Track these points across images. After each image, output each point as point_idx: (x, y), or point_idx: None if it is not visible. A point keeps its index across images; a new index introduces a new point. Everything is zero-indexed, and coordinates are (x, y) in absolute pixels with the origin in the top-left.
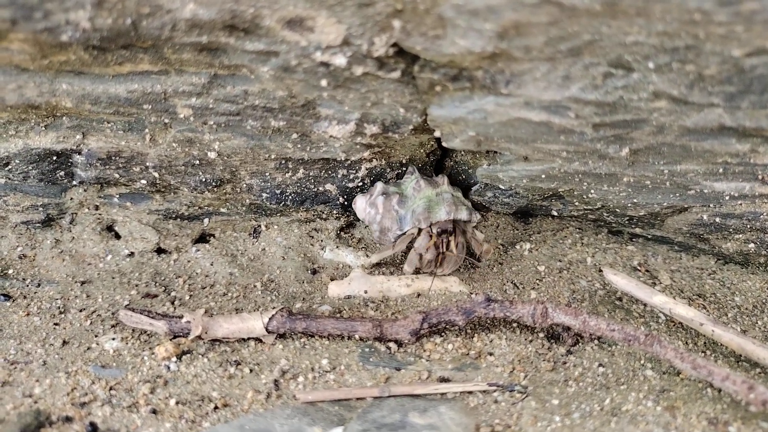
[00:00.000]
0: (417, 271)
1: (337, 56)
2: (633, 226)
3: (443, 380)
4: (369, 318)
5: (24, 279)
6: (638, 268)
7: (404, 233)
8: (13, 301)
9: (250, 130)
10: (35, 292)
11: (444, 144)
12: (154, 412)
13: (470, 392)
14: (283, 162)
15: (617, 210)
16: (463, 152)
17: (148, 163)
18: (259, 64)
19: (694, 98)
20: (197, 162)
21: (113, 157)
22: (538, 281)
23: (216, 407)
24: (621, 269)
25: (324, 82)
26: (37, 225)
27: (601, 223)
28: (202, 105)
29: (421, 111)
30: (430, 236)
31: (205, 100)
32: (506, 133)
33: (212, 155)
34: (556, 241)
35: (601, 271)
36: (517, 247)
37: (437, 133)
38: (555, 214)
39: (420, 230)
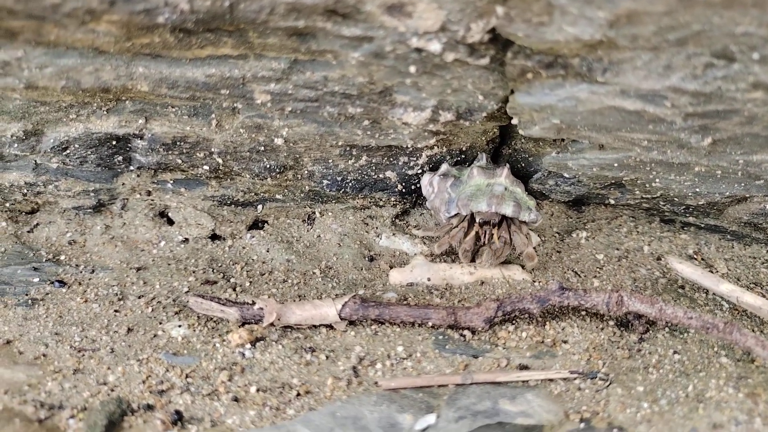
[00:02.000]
0: (446, 254)
1: (432, 42)
2: (687, 215)
3: (523, 368)
4: (443, 306)
5: (77, 265)
6: (694, 256)
7: (452, 216)
8: (69, 287)
9: (326, 117)
10: (90, 279)
11: (521, 131)
12: (236, 399)
13: (551, 380)
14: (348, 149)
15: (676, 199)
16: (524, 140)
17: (213, 149)
18: (349, 49)
19: None
20: (262, 148)
21: (178, 143)
22: (598, 269)
23: (298, 394)
24: (678, 256)
25: (412, 69)
26: (88, 210)
27: (653, 212)
28: (282, 90)
29: (500, 98)
30: (472, 226)
31: (285, 86)
32: (592, 122)
33: (279, 141)
34: (612, 229)
35: (659, 259)
36: (574, 235)
37: (515, 121)
38: (611, 202)
39: (465, 218)
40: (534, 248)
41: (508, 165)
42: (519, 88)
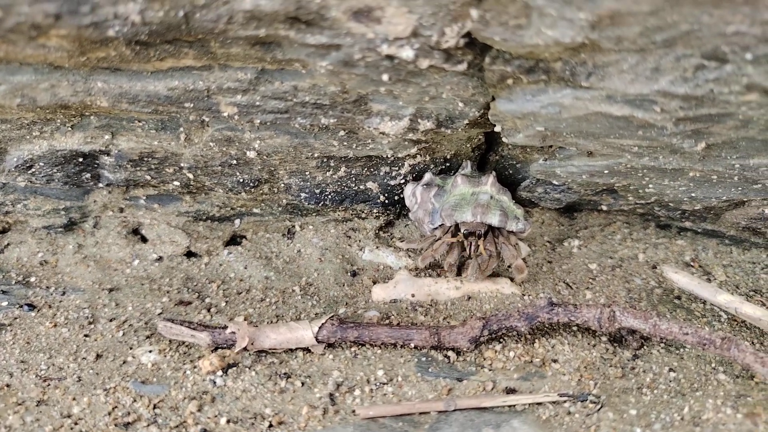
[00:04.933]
0: (431, 268)
1: (404, 49)
2: (684, 220)
3: (510, 391)
4: (425, 325)
5: (48, 287)
6: (691, 263)
7: (436, 228)
8: (38, 311)
9: (297, 128)
10: (60, 301)
11: (504, 139)
12: (205, 431)
13: (539, 404)
14: (325, 160)
15: (671, 204)
16: (510, 146)
17: (182, 164)
18: (317, 58)
19: None
20: (234, 162)
21: (146, 158)
22: (591, 280)
23: (270, 425)
24: (674, 265)
25: (385, 77)
26: (59, 229)
27: (649, 217)
28: (249, 102)
29: (481, 105)
30: (457, 238)
31: (252, 98)
32: (578, 128)
33: (251, 154)
34: (605, 237)
35: (655, 267)
36: (565, 244)
37: (498, 128)
38: (604, 208)
39: (450, 229)
40: (524, 259)
41: (494, 172)
42: (500, 94)
